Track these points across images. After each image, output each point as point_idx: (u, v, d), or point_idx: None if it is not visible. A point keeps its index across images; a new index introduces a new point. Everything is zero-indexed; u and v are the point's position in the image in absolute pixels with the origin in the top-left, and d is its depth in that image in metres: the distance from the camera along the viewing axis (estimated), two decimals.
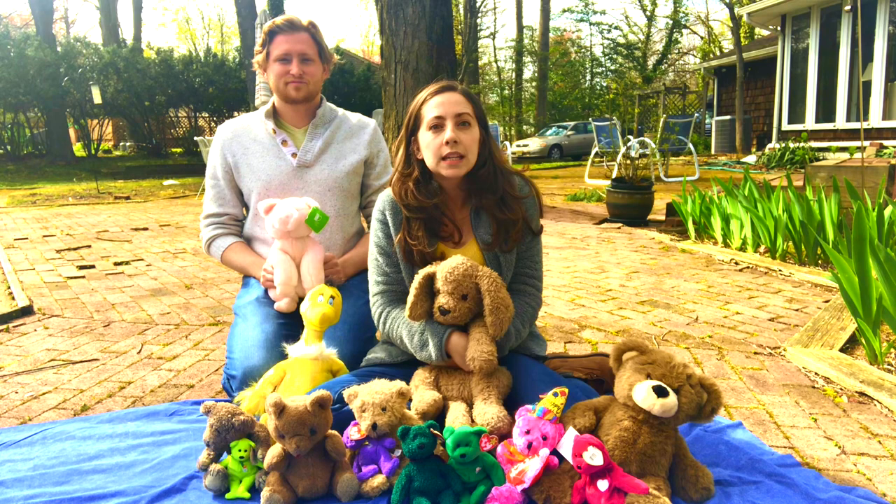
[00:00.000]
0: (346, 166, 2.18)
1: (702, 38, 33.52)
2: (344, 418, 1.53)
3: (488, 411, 1.50)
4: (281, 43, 2.07)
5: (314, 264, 1.98)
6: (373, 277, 1.77)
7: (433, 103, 1.64)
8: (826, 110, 10.89)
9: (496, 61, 33.85)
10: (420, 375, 1.65)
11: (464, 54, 19.40)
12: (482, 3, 26.93)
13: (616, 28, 32.93)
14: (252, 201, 2.17)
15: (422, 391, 1.58)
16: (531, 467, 1.33)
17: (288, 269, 1.96)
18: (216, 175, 2.21)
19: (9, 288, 3.70)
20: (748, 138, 14.78)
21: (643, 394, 1.34)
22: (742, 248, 4.37)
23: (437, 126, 1.62)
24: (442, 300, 1.56)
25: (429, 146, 1.64)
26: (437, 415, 1.55)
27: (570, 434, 1.32)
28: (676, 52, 33.23)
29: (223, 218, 2.22)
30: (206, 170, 2.25)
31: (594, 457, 1.26)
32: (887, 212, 3.49)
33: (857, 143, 9.17)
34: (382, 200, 1.76)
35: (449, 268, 1.56)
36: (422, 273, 1.59)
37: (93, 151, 20.81)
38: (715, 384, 1.42)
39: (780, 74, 11.86)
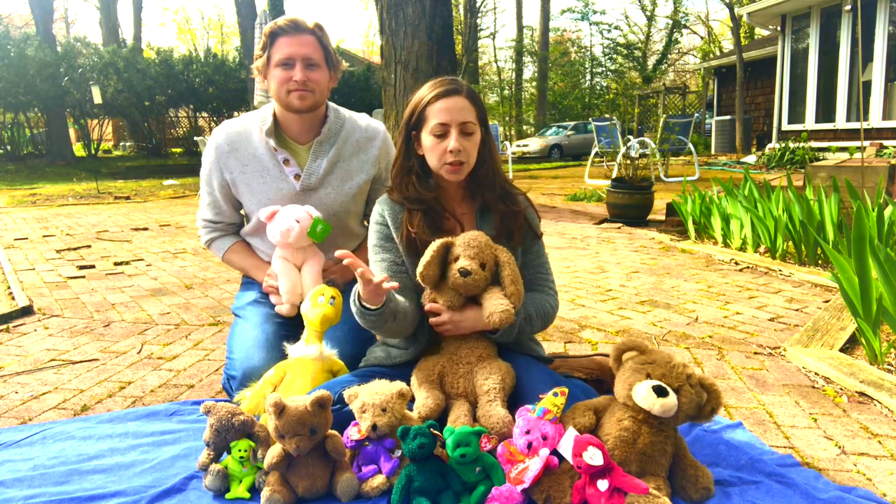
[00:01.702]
0: (353, 188, 2.05)
1: (702, 38, 33.52)
2: (344, 419, 1.52)
3: (493, 413, 1.50)
4: (283, 46, 1.89)
5: (313, 274, 1.97)
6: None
7: (438, 107, 1.63)
8: (826, 110, 10.89)
9: (496, 61, 33.89)
10: (423, 370, 1.64)
11: (464, 54, 19.40)
12: (482, 3, 26.95)
13: (616, 28, 32.97)
14: (253, 219, 2.08)
15: (424, 392, 1.58)
16: (531, 467, 1.33)
17: (292, 277, 1.95)
18: (211, 185, 2.08)
19: (9, 288, 3.70)
20: (748, 138, 14.78)
21: (643, 394, 1.34)
22: (742, 248, 4.37)
23: (442, 134, 1.63)
24: (463, 262, 1.56)
25: (432, 150, 1.65)
26: (439, 415, 1.55)
27: (570, 434, 1.32)
28: (676, 52, 33.25)
29: (219, 225, 2.16)
30: (201, 172, 2.13)
31: (594, 457, 1.26)
32: (887, 212, 3.49)
33: (857, 143, 9.17)
34: (380, 205, 1.76)
35: (471, 235, 1.60)
36: (440, 241, 1.59)
37: (93, 151, 20.81)
38: (715, 384, 1.42)
39: (780, 74, 11.86)
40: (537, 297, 1.74)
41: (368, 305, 1.54)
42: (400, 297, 1.63)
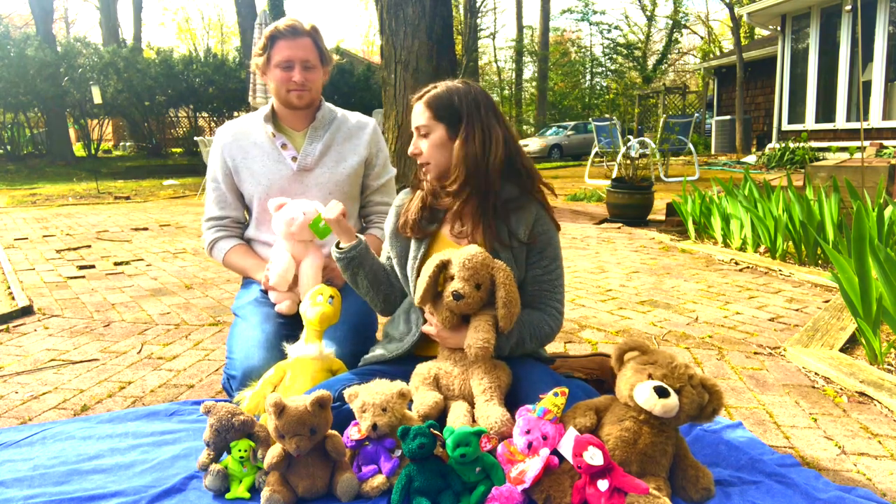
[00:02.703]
0: (347, 169, 2.18)
1: (702, 38, 33.51)
2: (344, 416, 1.53)
3: (491, 413, 1.50)
4: (283, 49, 2.04)
5: (312, 268, 1.98)
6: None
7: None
8: (826, 110, 10.88)
9: (496, 61, 33.88)
10: (420, 374, 1.64)
11: (464, 54, 19.41)
12: (482, 3, 26.92)
13: (616, 28, 32.93)
14: (254, 206, 2.16)
15: (423, 392, 1.58)
16: (531, 467, 1.33)
17: (286, 261, 1.96)
18: (216, 178, 2.19)
19: (9, 288, 3.70)
20: (748, 138, 14.78)
21: (644, 394, 1.34)
22: (742, 248, 4.37)
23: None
24: (457, 285, 1.55)
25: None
26: (439, 415, 1.55)
27: (571, 434, 1.32)
28: (676, 52, 33.22)
29: (224, 221, 2.21)
30: (207, 172, 2.24)
31: (594, 457, 1.26)
32: (887, 212, 3.49)
33: (857, 143, 9.17)
34: (392, 209, 1.85)
35: (468, 255, 1.57)
36: (436, 259, 1.59)
37: (93, 151, 20.79)
38: (716, 385, 1.42)
39: (780, 74, 11.86)
40: (536, 317, 1.69)
41: (342, 245, 1.75)
42: (379, 265, 1.81)
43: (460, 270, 1.56)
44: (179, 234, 5.94)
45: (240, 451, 1.47)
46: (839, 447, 1.69)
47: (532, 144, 20.95)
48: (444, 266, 1.59)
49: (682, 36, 33.15)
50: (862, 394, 2.00)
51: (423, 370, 1.65)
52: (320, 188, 2.13)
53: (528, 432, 1.38)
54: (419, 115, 1.72)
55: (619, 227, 5.76)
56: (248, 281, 2.21)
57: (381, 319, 2.19)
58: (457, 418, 1.52)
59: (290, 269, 1.97)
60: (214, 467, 1.45)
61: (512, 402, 1.57)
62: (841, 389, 2.06)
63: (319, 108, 2.19)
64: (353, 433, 1.49)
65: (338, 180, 2.16)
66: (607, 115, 12.52)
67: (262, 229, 2.17)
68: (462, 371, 1.61)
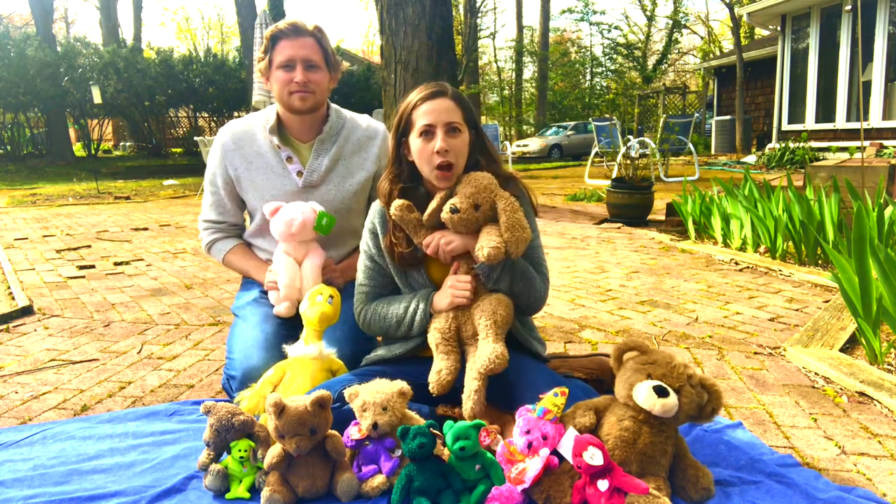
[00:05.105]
0: (354, 185, 2.09)
1: (702, 38, 33.52)
2: (344, 417, 1.52)
3: (484, 350, 1.51)
4: (284, 48, 1.95)
5: (312, 269, 1.97)
6: (358, 279, 1.83)
7: (423, 109, 1.64)
8: (826, 110, 10.88)
9: (496, 61, 33.86)
10: (439, 329, 1.62)
11: (464, 54, 19.42)
12: (482, 3, 26.91)
13: (616, 28, 32.89)
14: (256, 217, 2.11)
15: (439, 359, 1.59)
16: (531, 467, 1.33)
17: (292, 271, 1.96)
18: (216, 183, 2.12)
19: (9, 288, 3.70)
20: (748, 138, 14.78)
21: (644, 394, 1.34)
22: (742, 248, 4.37)
23: (427, 133, 1.63)
24: (455, 200, 1.57)
25: (420, 153, 1.65)
26: (455, 381, 1.58)
27: (570, 434, 1.32)
28: (676, 52, 33.21)
29: (222, 225, 2.17)
30: (206, 172, 2.17)
31: (594, 457, 1.27)
32: (887, 212, 3.49)
33: (857, 143, 9.17)
34: (373, 211, 1.78)
35: (474, 176, 1.61)
36: (444, 192, 1.62)
37: (93, 151, 20.83)
38: (716, 384, 1.42)
39: (780, 74, 11.86)
40: (530, 269, 1.71)
41: None
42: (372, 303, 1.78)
43: (462, 187, 1.59)
44: (179, 234, 5.94)
45: (240, 451, 1.47)
46: (839, 447, 1.69)
47: (532, 144, 20.96)
48: (451, 195, 1.62)
49: (682, 36, 33.16)
50: (862, 394, 2.00)
51: (441, 324, 1.63)
52: (326, 206, 2.02)
53: (528, 432, 1.38)
54: (449, 110, 1.63)
55: (619, 227, 5.76)
56: (247, 281, 2.20)
57: None
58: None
59: (297, 278, 1.96)
60: (214, 467, 1.45)
61: (511, 401, 1.56)
62: (841, 389, 2.06)
63: (327, 120, 2.08)
64: (353, 433, 1.49)
65: (344, 197, 2.08)
66: (607, 115, 12.52)
67: (267, 238, 2.09)
68: (469, 313, 1.62)
